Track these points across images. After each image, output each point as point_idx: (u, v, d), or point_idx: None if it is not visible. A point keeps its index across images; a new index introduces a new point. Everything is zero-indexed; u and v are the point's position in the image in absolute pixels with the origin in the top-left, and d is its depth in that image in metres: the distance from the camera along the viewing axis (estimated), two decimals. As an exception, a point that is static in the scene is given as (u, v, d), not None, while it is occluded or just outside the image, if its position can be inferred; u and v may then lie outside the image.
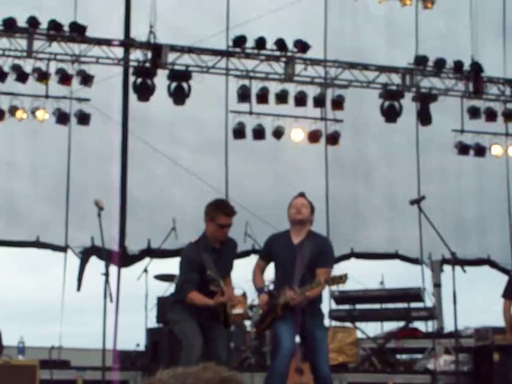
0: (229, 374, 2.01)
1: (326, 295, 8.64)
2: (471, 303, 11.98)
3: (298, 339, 7.63)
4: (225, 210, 7.57)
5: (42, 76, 11.85)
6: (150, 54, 12.32)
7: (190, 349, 7.37)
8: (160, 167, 13.24)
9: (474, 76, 13.55)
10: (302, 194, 7.67)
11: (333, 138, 13.32)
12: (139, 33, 12.47)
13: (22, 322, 12.93)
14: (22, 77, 11.78)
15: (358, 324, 12.44)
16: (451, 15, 14.39)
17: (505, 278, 10.07)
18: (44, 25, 11.81)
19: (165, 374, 2.01)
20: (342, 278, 7.19)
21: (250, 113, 12.82)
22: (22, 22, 11.69)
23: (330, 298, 12.63)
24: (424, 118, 13.39)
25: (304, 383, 8.67)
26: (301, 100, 12.86)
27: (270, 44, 12.69)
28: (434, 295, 13.69)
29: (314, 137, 13.19)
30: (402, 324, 12.64)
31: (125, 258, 12.75)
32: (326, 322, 8.03)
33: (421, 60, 13.44)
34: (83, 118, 12.18)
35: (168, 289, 11.36)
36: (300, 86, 12.96)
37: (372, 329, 12.88)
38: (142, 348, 11.59)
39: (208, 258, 7.53)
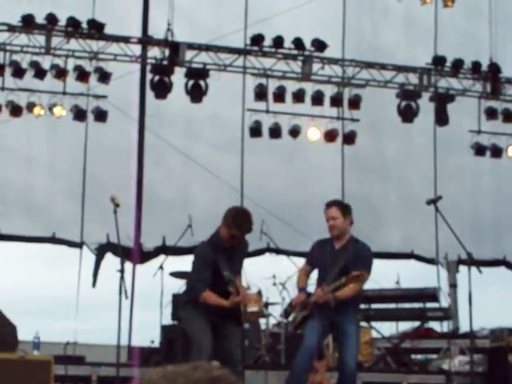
0: (219, 372, 1.97)
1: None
2: (487, 304, 11.91)
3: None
4: (240, 226, 7.49)
5: (60, 73, 11.90)
6: (167, 52, 12.34)
7: (200, 348, 7.39)
8: (177, 164, 13.26)
9: (491, 77, 13.49)
10: (329, 204, 7.72)
11: (349, 138, 13.29)
12: (157, 30, 12.50)
13: (38, 317, 12.96)
14: (40, 73, 11.83)
15: (373, 323, 12.40)
16: (472, 14, 14.29)
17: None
18: (62, 22, 11.86)
19: (155, 374, 1.98)
20: (360, 276, 7.28)
21: (267, 111, 12.81)
22: (40, 19, 11.75)
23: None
24: (441, 118, 13.34)
25: (317, 382, 8.67)
26: (318, 99, 12.84)
27: (287, 43, 12.68)
28: (450, 295, 13.64)
29: (330, 136, 13.16)
30: (417, 324, 12.61)
31: (140, 255, 12.77)
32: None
33: (439, 60, 13.39)
34: (100, 115, 12.21)
35: (183, 286, 11.37)
36: (317, 85, 12.94)
37: (387, 328, 12.87)
38: (156, 345, 11.62)
39: (222, 257, 7.54)
